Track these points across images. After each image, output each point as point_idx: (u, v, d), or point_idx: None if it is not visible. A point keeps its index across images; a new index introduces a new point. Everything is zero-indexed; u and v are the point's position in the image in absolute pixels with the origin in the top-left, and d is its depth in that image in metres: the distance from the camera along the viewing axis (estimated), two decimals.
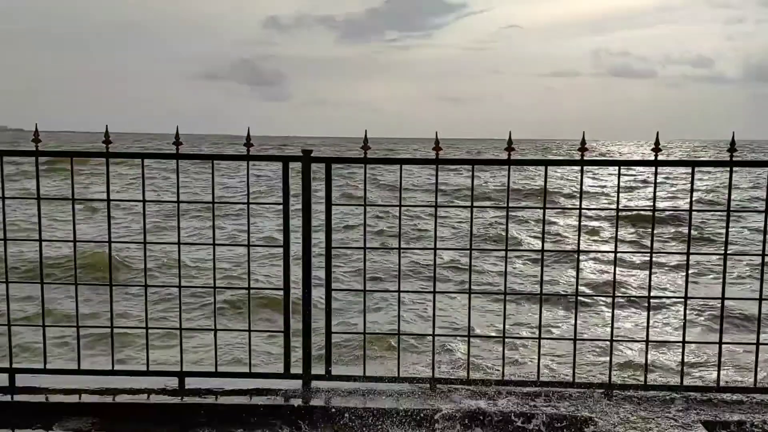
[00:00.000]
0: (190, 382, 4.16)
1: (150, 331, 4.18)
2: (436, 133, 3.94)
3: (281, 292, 4.12)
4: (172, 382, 4.16)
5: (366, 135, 3.99)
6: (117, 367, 4.20)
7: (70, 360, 5.07)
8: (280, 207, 4.05)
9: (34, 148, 4.00)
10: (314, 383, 4.16)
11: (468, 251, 4.18)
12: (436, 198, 4.15)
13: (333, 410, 3.89)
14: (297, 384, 4.16)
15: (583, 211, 4.14)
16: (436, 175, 4.03)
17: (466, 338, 4.37)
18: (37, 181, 4.08)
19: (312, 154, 4.02)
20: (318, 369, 4.18)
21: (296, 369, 4.16)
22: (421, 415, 3.78)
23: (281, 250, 4.06)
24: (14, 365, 4.19)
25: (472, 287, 4.20)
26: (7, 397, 4.07)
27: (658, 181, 4.07)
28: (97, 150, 4.12)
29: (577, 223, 4.17)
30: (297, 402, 3.99)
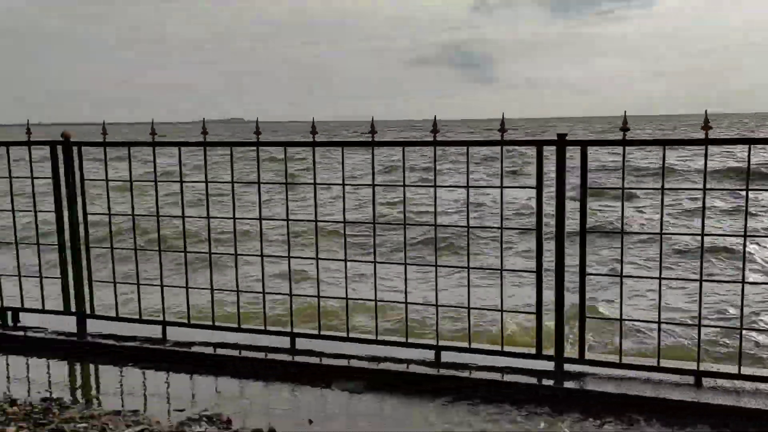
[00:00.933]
0: (446, 356, 4.43)
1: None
2: (705, 111, 3.72)
3: (533, 275, 4.20)
4: (429, 355, 4.46)
5: (625, 116, 3.89)
6: (381, 338, 4.61)
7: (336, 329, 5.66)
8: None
9: (311, 140, 4.52)
10: (566, 366, 4.18)
11: None
12: (705, 181, 3.91)
13: (587, 394, 3.90)
14: (549, 365, 4.22)
15: None
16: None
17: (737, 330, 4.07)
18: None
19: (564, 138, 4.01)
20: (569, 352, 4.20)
21: (545, 350, 4.23)
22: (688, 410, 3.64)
23: (533, 233, 4.14)
24: (294, 330, 4.81)
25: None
26: (289, 357, 4.68)
27: None
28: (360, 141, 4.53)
29: None
30: (550, 383, 4.06)
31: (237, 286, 4.95)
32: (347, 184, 4.64)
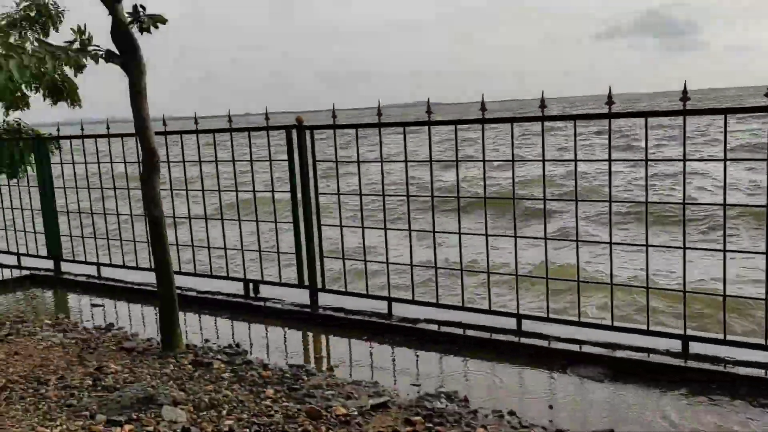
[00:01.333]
0: (694, 347, 4.05)
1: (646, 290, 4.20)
2: None
3: None
4: (674, 345, 4.11)
5: None
6: (617, 324, 4.33)
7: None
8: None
9: (540, 115, 4.34)
10: None
11: None
12: None
13: None
14: None
15: None
16: None
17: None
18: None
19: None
20: None
21: None
22: None
23: None
24: (521, 312, 4.70)
25: None
26: (515, 339, 4.58)
27: None
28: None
29: None
30: None
31: (461, 264, 4.95)
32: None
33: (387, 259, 5.26)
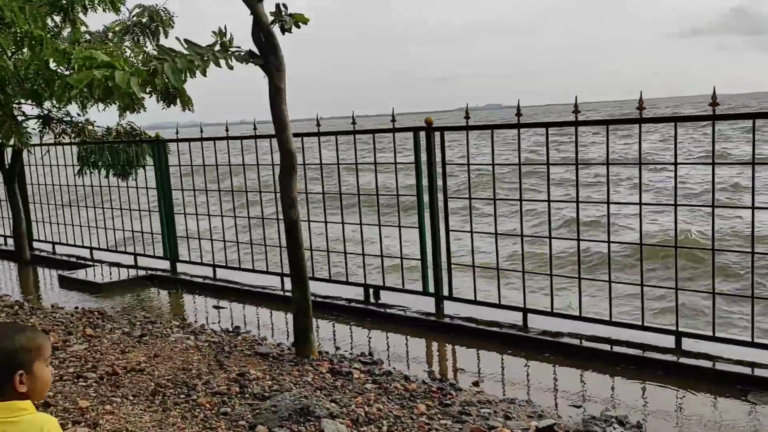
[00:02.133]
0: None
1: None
2: None
3: None
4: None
5: None
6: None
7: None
8: None
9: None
10: None
11: None
12: None
13: None
14: None
15: None
16: None
17: None
18: None
19: None
20: None
21: None
22: None
23: None
24: (680, 329, 4.35)
25: None
26: (673, 358, 4.23)
27: None
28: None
29: None
30: None
31: (609, 277, 4.63)
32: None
33: (523, 267, 5.00)
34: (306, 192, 6.37)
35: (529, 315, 4.99)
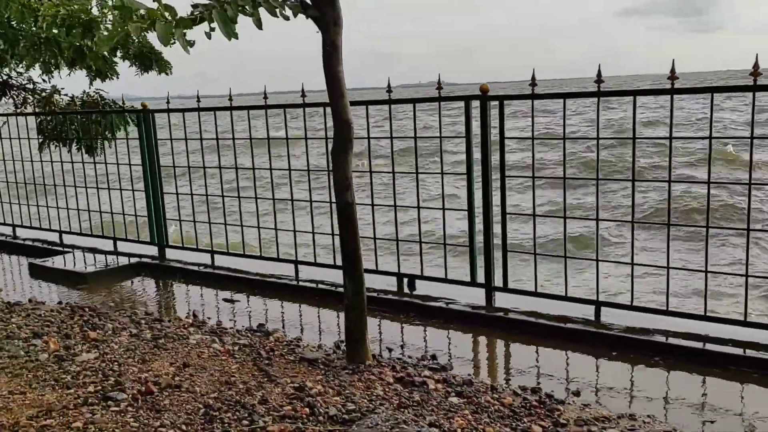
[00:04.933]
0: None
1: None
2: None
3: None
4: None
5: None
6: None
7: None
8: None
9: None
10: None
11: None
12: None
13: None
14: None
15: None
16: None
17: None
18: None
19: None
20: None
21: None
22: None
23: None
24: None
25: None
26: None
27: None
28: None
29: None
30: None
31: (706, 265, 4.12)
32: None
33: (597, 255, 4.46)
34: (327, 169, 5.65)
35: (603, 308, 4.47)
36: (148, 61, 7.23)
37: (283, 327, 4.90)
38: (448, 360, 4.16)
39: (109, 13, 6.91)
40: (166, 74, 7.32)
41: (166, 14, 2.97)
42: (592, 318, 4.45)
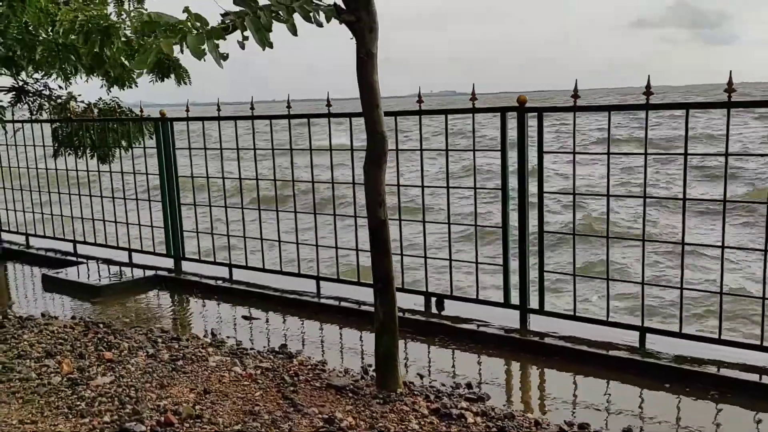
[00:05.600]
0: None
1: None
2: None
3: None
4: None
5: None
6: None
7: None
8: None
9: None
10: None
11: None
12: None
13: None
14: None
15: None
16: None
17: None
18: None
19: None
20: None
21: None
22: None
23: None
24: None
25: None
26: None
27: None
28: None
29: None
30: None
31: (764, 292, 3.84)
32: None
33: (642, 279, 4.19)
34: (353, 185, 5.42)
35: (648, 334, 4.19)
36: (166, 69, 7.08)
37: (305, 347, 4.65)
38: (485, 389, 3.90)
39: (128, 19, 6.77)
40: (184, 83, 7.16)
41: (198, 25, 2.75)
42: (636, 344, 4.18)
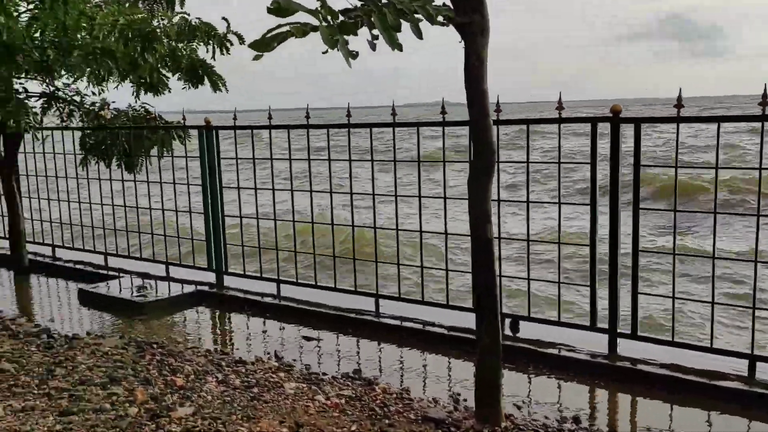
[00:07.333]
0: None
1: None
2: None
3: None
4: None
5: None
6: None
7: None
8: None
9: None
10: None
11: None
12: None
13: None
14: None
15: None
16: None
17: None
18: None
19: None
20: None
21: None
22: None
23: None
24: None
25: None
26: None
27: None
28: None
29: None
30: None
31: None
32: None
33: (753, 304, 3.90)
34: (419, 194, 5.13)
35: (758, 364, 3.90)
36: (198, 76, 6.81)
37: (381, 372, 4.34)
38: (592, 422, 3.59)
39: (169, 24, 6.50)
40: (219, 91, 6.89)
41: (329, 18, 2.46)
42: (745, 374, 3.89)
